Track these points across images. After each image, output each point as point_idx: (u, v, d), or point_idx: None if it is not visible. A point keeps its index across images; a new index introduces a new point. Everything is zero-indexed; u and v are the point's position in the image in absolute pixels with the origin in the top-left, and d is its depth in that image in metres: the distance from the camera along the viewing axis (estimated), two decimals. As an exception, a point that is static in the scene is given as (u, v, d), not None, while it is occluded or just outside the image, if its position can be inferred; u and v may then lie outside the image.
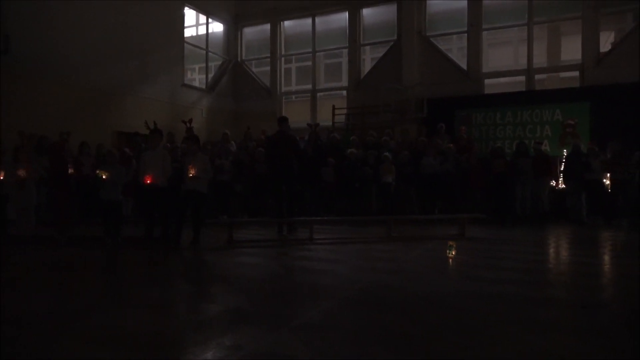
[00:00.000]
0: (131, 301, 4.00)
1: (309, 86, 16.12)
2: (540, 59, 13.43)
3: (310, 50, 15.96)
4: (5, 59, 9.81)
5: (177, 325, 3.31)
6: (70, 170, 8.53)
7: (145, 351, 2.78)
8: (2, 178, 7.16)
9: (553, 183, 10.78)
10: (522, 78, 13.29)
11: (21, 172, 7.35)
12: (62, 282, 4.89)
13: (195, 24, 17.29)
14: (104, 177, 7.16)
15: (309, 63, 16.18)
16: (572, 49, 13.26)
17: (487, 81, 13.57)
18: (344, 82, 15.83)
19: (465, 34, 13.75)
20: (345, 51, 15.61)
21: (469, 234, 7.82)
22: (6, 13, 9.85)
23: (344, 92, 15.52)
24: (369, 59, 16.14)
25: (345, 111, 14.88)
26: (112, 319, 3.43)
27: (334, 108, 14.67)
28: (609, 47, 12.82)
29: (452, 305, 3.74)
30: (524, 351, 2.75)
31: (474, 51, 13.51)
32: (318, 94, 16.06)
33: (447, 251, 5.98)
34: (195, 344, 2.86)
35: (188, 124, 9.90)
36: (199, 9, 15.76)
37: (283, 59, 16.61)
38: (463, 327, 3.19)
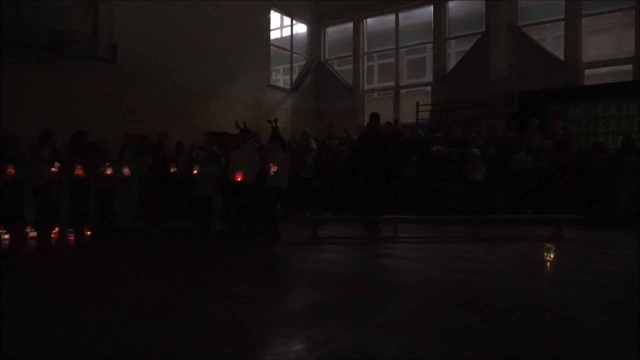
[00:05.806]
0: (220, 292, 4.20)
1: (392, 83, 15.95)
2: (649, 44, 12.17)
3: (393, 47, 15.80)
4: (113, 68, 10.76)
5: (264, 317, 3.44)
6: (174, 169, 9.14)
7: (236, 340, 2.92)
8: (110, 173, 7.90)
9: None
10: (628, 67, 12.13)
11: (126, 170, 8.10)
12: (157, 272, 5.26)
13: (280, 26, 17.82)
14: (194, 172, 7.75)
15: (392, 60, 16.00)
16: (688, 32, 11.86)
17: (586, 72, 12.59)
18: (428, 78, 15.47)
19: (562, 22, 12.86)
20: (429, 46, 15.26)
21: (566, 235, 7.33)
22: (116, 25, 10.79)
23: (428, 88, 15.16)
24: (454, 53, 15.61)
25: (429, 107, 14.56)
26: (203, 308, 3.65)
27: (417, 105, 14.39)
28: None
29: (543, 309, 3.54)
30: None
31: (572, 40, 12.57)
32: (401, 91, 15.86)
33: (545, 254, 5.65)
34: (282, 336, 2.97)
35: (274, 124, 10.20)
36: (284, 11, 16.21)
37: (366, 56, 16.59)
38: (554, 331, 3.01)
